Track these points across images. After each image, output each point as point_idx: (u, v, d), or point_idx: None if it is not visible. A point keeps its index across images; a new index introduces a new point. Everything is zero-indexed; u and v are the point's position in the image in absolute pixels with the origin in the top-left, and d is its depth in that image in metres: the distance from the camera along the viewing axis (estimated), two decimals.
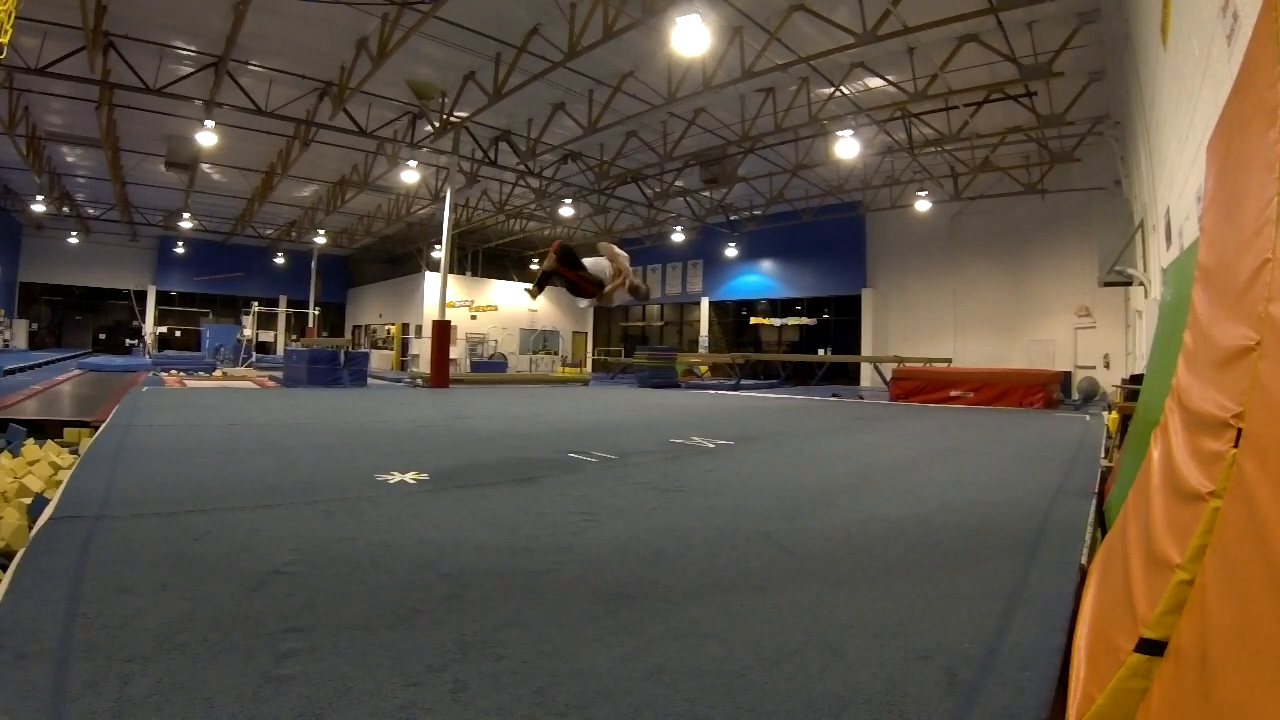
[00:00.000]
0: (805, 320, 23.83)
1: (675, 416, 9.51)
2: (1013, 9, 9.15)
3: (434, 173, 19.34)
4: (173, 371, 16.64)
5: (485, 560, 2.77)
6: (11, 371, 13.27)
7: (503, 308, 28.90)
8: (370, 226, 26.46)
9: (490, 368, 23.23)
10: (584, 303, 4.58)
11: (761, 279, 24.77)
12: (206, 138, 13.86)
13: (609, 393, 15.94)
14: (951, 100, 12.43)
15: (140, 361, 20.26)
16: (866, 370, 20.32)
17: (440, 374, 15.22)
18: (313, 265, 27.35)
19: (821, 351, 21.99)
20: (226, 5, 10.25)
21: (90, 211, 24.35)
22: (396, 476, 4.41)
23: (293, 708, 1.55)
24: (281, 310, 29.30)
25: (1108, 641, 1.54)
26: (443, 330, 15.49)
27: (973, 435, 7.92)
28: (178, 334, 30.62)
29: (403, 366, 26.78)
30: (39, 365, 16.10)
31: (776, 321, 24.61)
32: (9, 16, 6.06)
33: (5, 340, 24.28)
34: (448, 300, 16.14)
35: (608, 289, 4.32)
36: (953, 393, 13.20)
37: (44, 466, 4.22)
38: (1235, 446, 1.24)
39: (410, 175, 17.19)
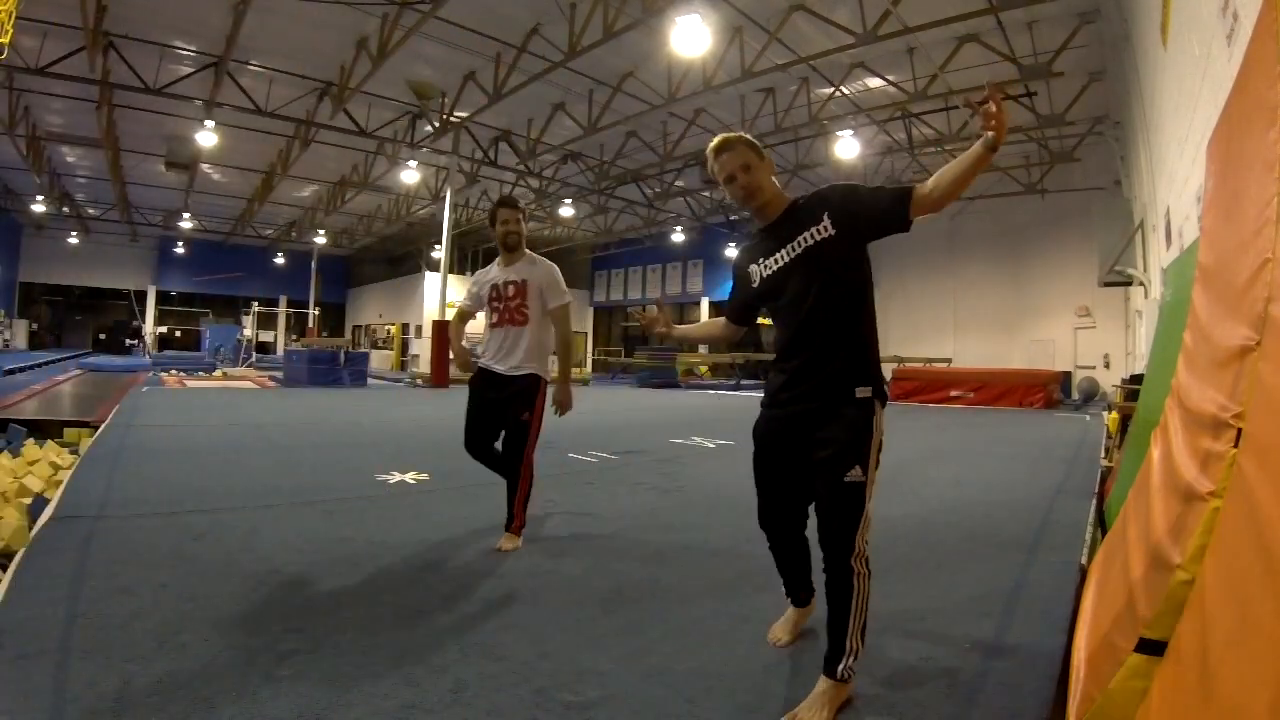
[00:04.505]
0: None
1: (675, 416, 9.51)
2: (1013, 9, 9.14)
3: (434, 173, 19.31)
4: (173, 372, 16.64)
5: (485, 560, 2.77)
6: (11, 371, 13.26)
7: None
8: (370, 226, 26.44)
9: None
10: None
11: None
12: (206, 138, 13.85)
13: (609, 393, 15.94)
14: (951, 100, 12.42)
15: (140, 362, 20.27)
16: None
17: (440, 374, 15.21)
18: (313, 265, 27.33)
19: None
20: (226, 5, 10.24)
21: (90, 211, 24.31)
22: (396, 476, 4.41)
23: (293, 708, 1.55)
24: (281, 310, 29.29)
25: (1108, 641, 1.54)
26: (443, 330, 15.47)
27: (973, 435, 7.92)
28: (178, 334, 30.61)
29: (403, 366, 26.76)
30: (39, 365, 16.10)
31: None
32: (9, 16, 6.06)
33: (5, 340, 24.27)
34: (448, 300, 16.13)
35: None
36: (953, 393, 13.20)
37: (44, 466, 4.21)
38: (1235, 446, 1.24)
39: (410, 175, 17.18)
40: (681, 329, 2.24)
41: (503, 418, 3.04)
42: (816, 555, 1.79)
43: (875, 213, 1.70)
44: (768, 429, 1.83)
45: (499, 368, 3.06)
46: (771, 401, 1.83)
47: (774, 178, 1.84)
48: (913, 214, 1.66)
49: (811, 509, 1.79)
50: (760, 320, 2.07)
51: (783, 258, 1.75)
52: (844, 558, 1.62)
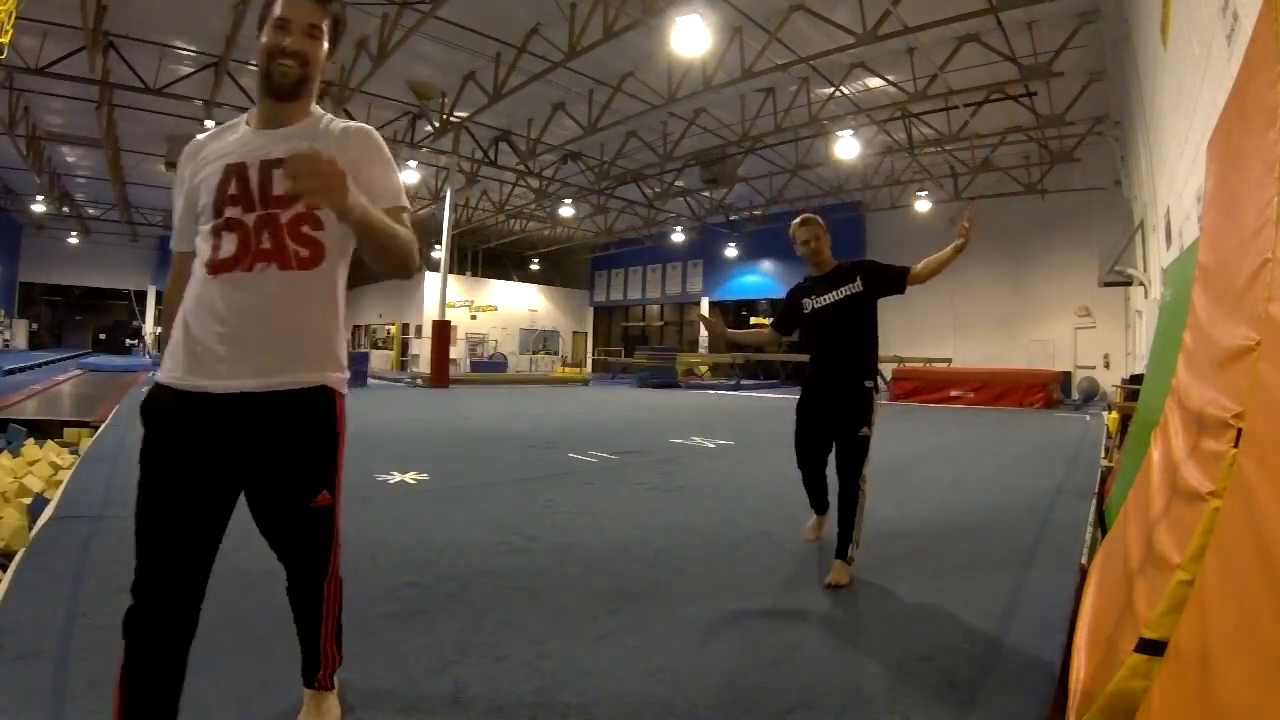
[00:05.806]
0: None
1: (675, 416, 9.50)
2: (1013, 9, 9.13)
3: (434, 173, 19.32)
4: None
5: (485, 560, 2.77)
6: (11, 371, 13.25)
7: (503, 308, 28.89)
8: None
9: (490, 368, 23.22)
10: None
11: (761, 279, 24.75)
12: None
13: (609, 393, 15.93)
14: (951, 100, 12.40)
15: (140, 362, 20.26)
16: None
17: (440, 374, 15.21)
18: None
19: None
20: (226, 5, 10.23)
21: (90, 211, 24.30)
22: (396, 476, 4.41)
23: (292, 708, 1.55)
24: None
25: (1108, 641, 1.54)
26: (443, 330, 15.48)
27: (973, 435, 7.92)
28: None
29: (403, 366, 26.76)
30: (39, 365, 16.09)
31: None
32: (9, 16, 6.05)
33: (5, 340, 24.25)
34: (448, 300, 16.13)
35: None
36: (953, 393, 13.20)
37: (44, 466, 4.21)
38: (1235, 446, 1.24)
39: (410, 175, 17.18)
40: (734, 332, 3.30)
41: (261, 503, 1.46)
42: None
43: (888, 280, 2.73)
44: (807, 405, 2.83)
45: (229, 381, 1.34)
46: (810, 387, 2.84)
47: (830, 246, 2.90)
48: (907, 283, 2.72)
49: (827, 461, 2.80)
50: (759, 320, 2.37)
51: (829, 299, 2.76)
52: (854, 479, 2.61)
